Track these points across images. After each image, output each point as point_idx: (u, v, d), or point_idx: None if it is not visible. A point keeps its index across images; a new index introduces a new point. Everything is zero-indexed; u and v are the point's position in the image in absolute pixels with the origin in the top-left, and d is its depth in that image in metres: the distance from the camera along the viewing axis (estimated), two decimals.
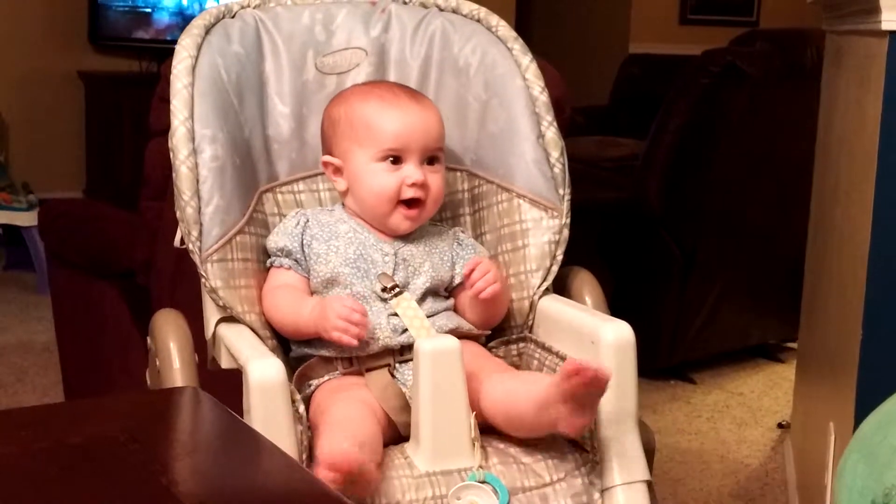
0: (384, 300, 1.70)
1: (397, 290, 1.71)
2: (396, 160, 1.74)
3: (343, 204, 1.81)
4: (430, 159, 1.76)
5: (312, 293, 1.74)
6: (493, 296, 1.72)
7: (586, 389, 1.49)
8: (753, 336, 4.07)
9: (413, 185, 1.73)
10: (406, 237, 1.77)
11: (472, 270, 1.72)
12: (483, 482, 1.57)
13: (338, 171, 1.79)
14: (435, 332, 1.68)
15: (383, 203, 1.74)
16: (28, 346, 3.93)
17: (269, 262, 1.76)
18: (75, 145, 5.84)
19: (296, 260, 1.74)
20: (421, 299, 1.73)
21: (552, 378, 1.55)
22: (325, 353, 1.69)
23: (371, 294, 1.71)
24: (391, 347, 1.68)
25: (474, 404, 1.62)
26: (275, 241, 1.75)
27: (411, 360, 1.65)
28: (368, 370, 1.68)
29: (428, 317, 1.71)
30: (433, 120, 1.76)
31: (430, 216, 1.79)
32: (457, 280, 1.78)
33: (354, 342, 1.61)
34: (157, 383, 1.71)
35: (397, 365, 1.69)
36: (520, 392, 1.60)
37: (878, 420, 1.19)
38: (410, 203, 1.74)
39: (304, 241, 1.74)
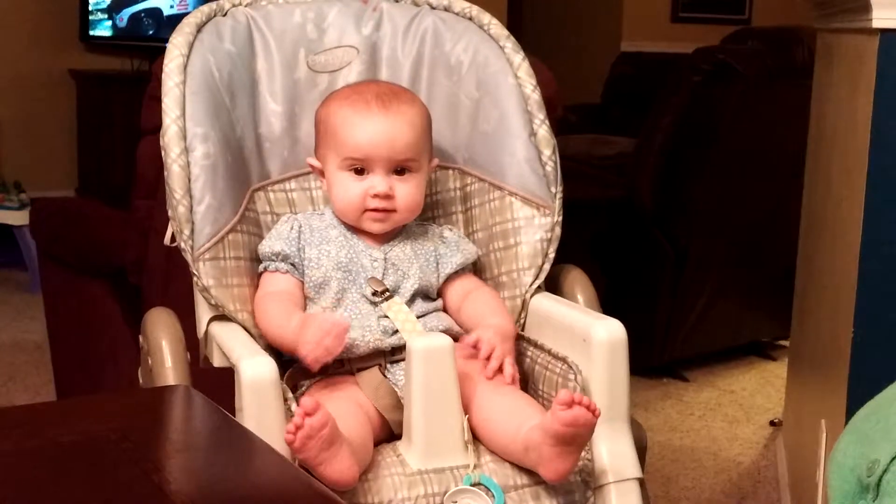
0: (374, 304, 1.70)
1: (388, 294, 1.71)
2: (360, 171, 1.73)
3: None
4: (401, 170, 1.74)
5: (305, 298, 1.73)
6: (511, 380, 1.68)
7: (580, 428, 1.49)
8: (746, 334, 4.08)
9: (376, 196, 1.72)
10: (393, 240, 1.77)
11: (476, 345, 1.67)
12: (477, 484, 1.57)
13: (322, 173, 1.79)
14: (426, 333, 1.68)
15: (350, 211, 1.74)
16: (20, 345, 3.93)
17: (262, 266, 1.75)
18: (67, 144, 5.83)
19: (292, 264, 1.73)
20: (410, 301, 1.73)
21: (540, 419, 1.55)
22: None
23: (361, 298, 1.71)
24: (382, 349, 1.68)
25: (466, 408, 1.61)
26: (269, 245, 1.74)
27: (402, 360, 1.66)
28: (359, 370, 1.68)
29: (418, 318, 1.71)
30: (401, 131, 1.73)
31: (405, 221, 1.77)
32: (440, 281, 1.78)
33: (316, 367, 1.60)
34: (149, 382, 1.71)
35: (388, 366, 1.68)
36: (507, 423, 1.59)
37: (870, 408, 1.22)
38: (376, 211, 1.73)
39: (300, 246, 1.74)
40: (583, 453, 1.60)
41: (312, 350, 1.58)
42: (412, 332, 1.67)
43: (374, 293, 1.71)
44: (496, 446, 1.62)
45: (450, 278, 1.78)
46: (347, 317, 1.67)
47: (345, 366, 1.68)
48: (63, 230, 2.90)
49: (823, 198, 2.51)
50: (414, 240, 1.79)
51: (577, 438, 1.51)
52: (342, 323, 1.61)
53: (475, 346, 1.67)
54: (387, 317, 1.69)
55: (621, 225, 3.82)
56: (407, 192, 1.74)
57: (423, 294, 1.75)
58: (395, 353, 1.68)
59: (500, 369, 1.66)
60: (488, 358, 1.66)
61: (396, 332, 1.68)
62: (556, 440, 1.50)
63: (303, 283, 1.73)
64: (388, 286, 1.72)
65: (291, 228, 1.75)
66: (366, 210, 1.73)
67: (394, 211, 1.74)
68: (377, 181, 1.72)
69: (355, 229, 1.77)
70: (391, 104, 1.74)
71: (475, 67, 1.88)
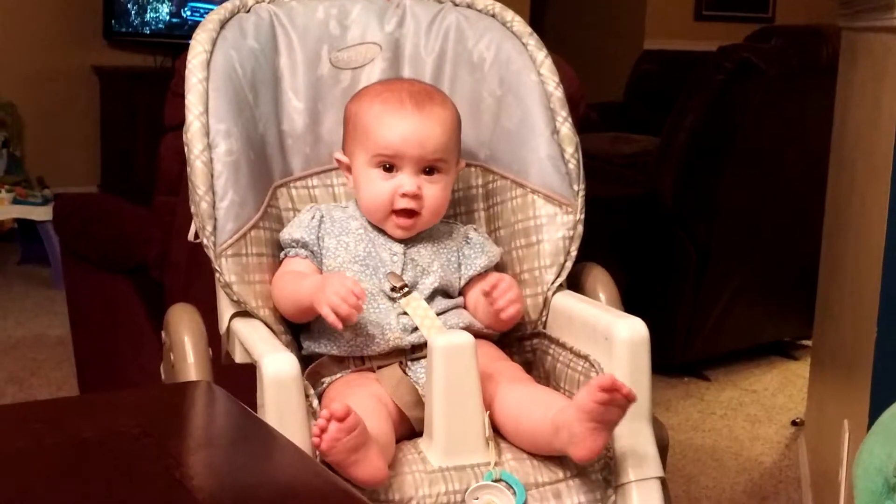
0: (393, 299, 1.70)
1: (406, 289, 1.71)
2: (390, 168, 1.73)
3: (356, 201, 1.81)
4: (430, 170, 1.74)
5: None
6: (515, 315, 1.72)
7: (613, 407, 1.49)
8: (767, 333, 4.06)
9: (405, 195, 1.72)
10: (415, 236, 1.77)
11: (492, 287, 1.70)
12: (499, 480, 1.57)
13: (348, 169, 1.79)
14: (446, 330, 1.68)
15: (378, 209, 1.74)
16: (42, 340, 3.95)
17: (282, 253, 1.76)
18: (90, 140, 5.85)
19: (312, 252, 1.74)
20: (429, 298, 1.72)
21: (570, 400, 1.56)
22: (335, 351, 1.69)
23: (379, 292, 1.71)
24: (401, 347, 1.68)
25: (488, 406, 1.62)
26: (290, 233, 1.75)
27: (422, 357, 1.66)
28: (379, 367, 1.68)
29: (438, 315, 1.71)
30: (433, 130, 1.73)
31: (429, 225, 1.77)
32: (462, 282, 1.78)
33: (339, 325, 1.60)
34: (171, 377, 1.71)
35: (409, 363, 1.69)
36: (533, 410, 1.59)
37: None
38: (403, 212, 1.73)
39: (319, 235, 1.74)
40: (605, 451, 1.60)
41: (337, 307, 1.58)
42: (431, 328, 1.67)
43: (393, 288, 1.71)
44: (520, 436, 1.62)
45: (473, 279, 1.78)
46: (366, 309, 1.67)
47: (365, 363, 1.69)
48: (86, 226, 2.91)
49: (847, 197, 2.50)
50: (437, 237, 1.79)
51: (610, 416, 1.51)
52: (357, 284, 1.62)
53: (490, 293, 1.68)
54: (406, 313, 1.70)
55: (643, 223, 3.81)
56: (434, 193, 1.74)
57: (443, 292, 1.75)
58: (416, 351, 1.69)
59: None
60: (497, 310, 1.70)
61: (416, 329, 1.68)
62: (590, 417, 1.49)
63: (321, 271, 1.74)
64: (406, 282, 1.72)
65: (312, 218, 1.76)
66: (393, 211, 1.73)
67: (419, 214, 1.73)
68: (406, 180, 1.72)
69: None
70: (425, 104, 1.74)
71: (498, 65, 1.88)
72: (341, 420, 1.44)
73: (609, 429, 1.54)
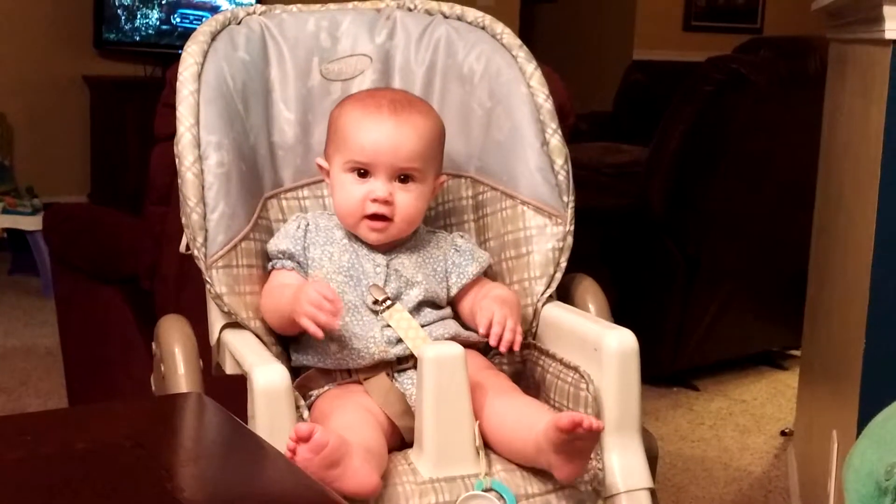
0: (375, 312, 1.70)
1: (389, 302, 1.71)
2: (364, 173, 1.73)
3: None
4: (404, 177, 1.74)
5: None
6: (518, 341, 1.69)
7: (578, 441, 1.50)
8: (756, 343, 4.07)
9: (375, 200, 1.71)
10: (400, 247, 1.77)
11: (489, 327, 1.67)
12: (489, 489, 1.57)
13: (329, 174, 1.79)
14: (431, 341, 1.68)
15: (349, 214, 1.74)
16: (32, 351, 3.94)
17: (270, 264, 1.76)
18: (80, 150, 5.85)
19: (298, 262, 1.74)
20: (415, 310, 1.72)
21: (556, 413, 1.57)
22: (322, 364, 1.69)
23: (362, 305, 1.70)
24: (387, 360, 1.68)
25: (477, 416, 1.61)
26: (276, 244, 1.75)
27: (409, 369, 1.66)
28: (366, 379, 1.68)
29: (423, 326, 1.71)
30: (408, 138, 1.72)
31: (403, 234, 1.76)
32: (454, 290, 1.78)
33: (320, 333, 1.59)
34: (161, 389, 1.71)
35: (395, 374, 1.68)
36: (519, 428, 1.59)
37: (888, 412, 1.23)
38: (375, 217, 1.72)
39: (305, 245, 1.74)
40: (594, 463, 1.61)
41: (313, 316, 1.58)
42: (416, 339, 1.67)
43: (375, 301, 1.70)
44: (509, 450, 1.62)
45: (466, 287, 1.78)
46: (349, 322, 1.68)
47: (352, 375, 1.69)
48: (76, 236, 2.91)
49: (835, 207, 2.51)
50: (423, 247, 1.78)
51: (580, 448, 1.52)
52: (332, 290, 1.61)
53: (487, 335, 1.66)
54: (390, 325, 1.70)
55: (633, 233, 3.82)
56: (407, 201, 1.73)
57: (429, 303, 1.75)
58: (402, 363, 1.69)
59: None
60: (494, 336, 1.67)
61: (401, 341, 1.68)
62: (560, 449, 1.51)
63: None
64: (389, 294, 1.71)
65: (298, 227, 1.76)
66: (364, 217, 1.73)
67: (391, 220, 1.73)
68: (378, 186, 1.72)
69: None
70: (402, 111, 1.74)
71: (488, 76, 1.88)
72: (307, 440, 1.43)
73: (584, 455, 1.55)
